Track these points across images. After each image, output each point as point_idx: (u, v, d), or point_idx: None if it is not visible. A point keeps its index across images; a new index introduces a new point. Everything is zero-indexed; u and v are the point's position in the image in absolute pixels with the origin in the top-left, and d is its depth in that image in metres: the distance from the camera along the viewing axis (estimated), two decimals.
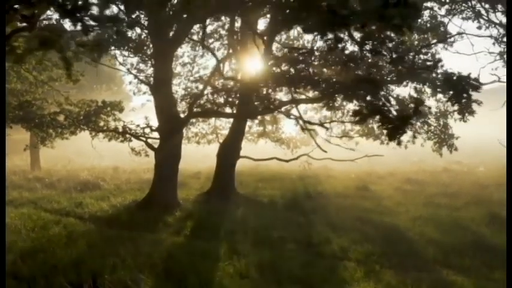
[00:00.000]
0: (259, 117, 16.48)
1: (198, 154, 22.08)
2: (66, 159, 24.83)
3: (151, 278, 5.82)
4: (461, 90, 5.62)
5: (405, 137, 15.67)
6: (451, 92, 5.89)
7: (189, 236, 8.89)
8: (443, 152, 15.15)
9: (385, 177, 19.10)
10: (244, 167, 18.86)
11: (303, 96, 12.89)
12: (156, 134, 12.14)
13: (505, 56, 12.73)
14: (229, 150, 13.81)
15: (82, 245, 7.54)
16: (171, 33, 11.03)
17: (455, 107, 7.07)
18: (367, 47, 3.31)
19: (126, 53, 13.28)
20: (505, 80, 14.27)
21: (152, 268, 6.15)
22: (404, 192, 15.16)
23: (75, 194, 13.75)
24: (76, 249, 7.22)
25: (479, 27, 12.08)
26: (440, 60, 7.39)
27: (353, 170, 19.86)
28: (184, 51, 17.18)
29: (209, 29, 15.86)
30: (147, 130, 11.96)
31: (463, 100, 5.86)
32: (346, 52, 5.59)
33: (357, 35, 5.77)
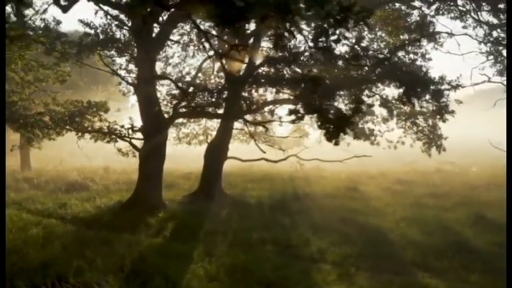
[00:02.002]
0: (249, 117, 16.38)
1: (191, 154, 22.00)
2: (58, 159, 24.75)
3: (118, 280, 5.74)
4: (410, 87, 5.52)
5: (394, 138, 15.65)
6: (402, 90, 5.81)
7: (167, 238, 8.82)
8: (437, 152, 15.02)
9: (376, 177, 18.99)
10: (236, 168, 18.77)
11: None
12: (140, 135, 12.06)
13: (492, 56, 12.65)
14: (216, 151, 13.75)
15: (56, 246, 7.45)
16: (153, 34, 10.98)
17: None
18: (320, 44, 3.24)
19: (113, 53, 13.17)
20: (496, 80, 14.22)
21: (121, 270, 6.07)
22: (393, 193, 15.05)
23: (61, 194, 13.67)
24: (50, 250, 7.13)
25: (465, 27, 12.02)
26: (390, 57, 7.27)
27: (344, 171, 19.76)
28: (174, 51, 17.10)
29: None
30: (131, 131, 11.89)
31: (413, 98, 5.77)
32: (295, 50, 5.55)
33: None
